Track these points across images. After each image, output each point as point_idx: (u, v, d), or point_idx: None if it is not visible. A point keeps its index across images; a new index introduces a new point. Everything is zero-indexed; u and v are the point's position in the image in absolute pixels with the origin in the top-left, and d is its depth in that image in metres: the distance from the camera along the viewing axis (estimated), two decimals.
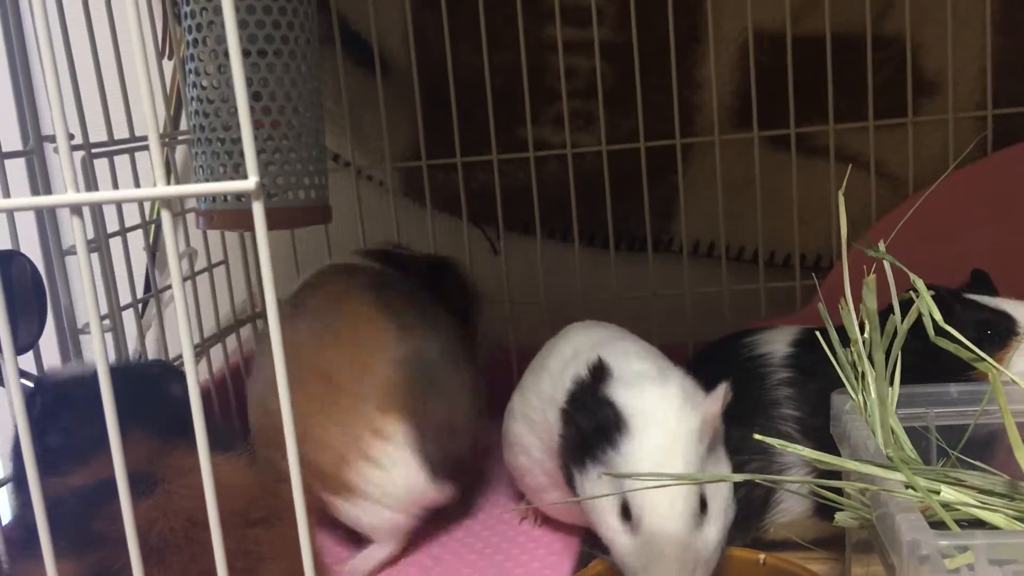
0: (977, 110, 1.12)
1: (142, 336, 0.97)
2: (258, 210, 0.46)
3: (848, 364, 0.69)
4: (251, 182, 0.45)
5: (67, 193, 0.46)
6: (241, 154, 0.87)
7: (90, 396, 0.69)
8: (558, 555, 0.85)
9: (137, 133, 1.01)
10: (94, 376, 0.48)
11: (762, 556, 0.74)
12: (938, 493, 0.55)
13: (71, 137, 0.89)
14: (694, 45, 1.15)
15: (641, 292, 1.18)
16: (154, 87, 1.02)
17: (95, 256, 0.90)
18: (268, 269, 0.46)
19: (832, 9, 1.09)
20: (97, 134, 0.94)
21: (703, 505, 0.67)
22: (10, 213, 0.79)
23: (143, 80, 0.45)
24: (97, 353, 0.48)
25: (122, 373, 0.78)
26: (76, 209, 0.47)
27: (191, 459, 0.63)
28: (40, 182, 0.86)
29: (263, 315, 1.15)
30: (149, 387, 0.77)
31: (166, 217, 0.46)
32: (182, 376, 0.90)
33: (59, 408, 0.71)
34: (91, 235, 0.90)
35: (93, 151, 0.92)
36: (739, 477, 0.61)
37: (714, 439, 0.71)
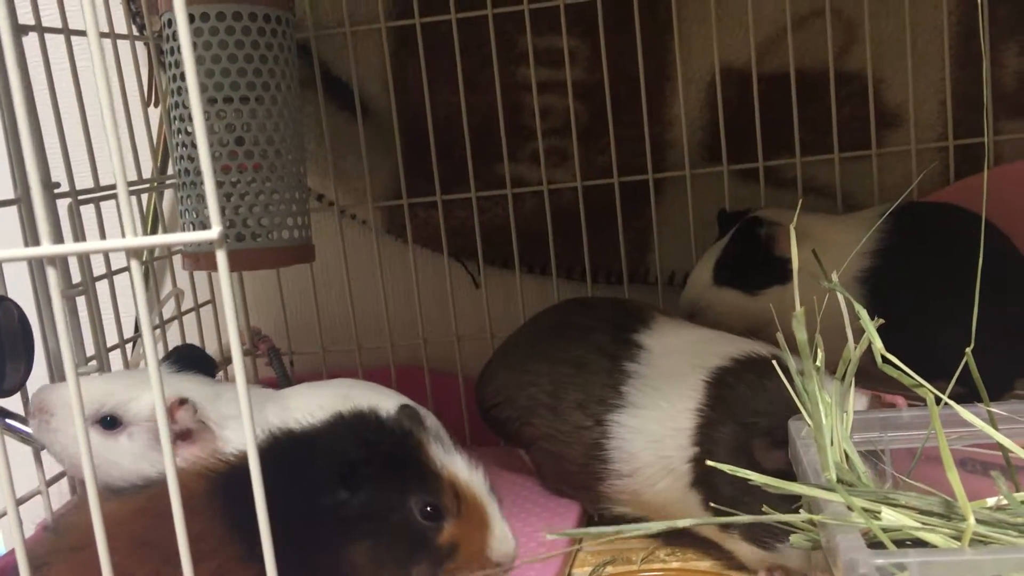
0: (939, 141, 1.16)
1: None
2: (221, 257, 0.49)
3: (803, 390, 0.72)
4: (215, 232, 0.48)
5: (42, 246, 0.49)
6: (226, 197, 0.91)
7: None
8: None
9: (127, 179, 1.04)
10: None
11: None
12: (879, 514, 0.57)
13: (56, 185, 0.93)
14: (664, 84, 1.19)
15: None
16: (137, 137, 1.05)
17: (82, 299, 0.93)
18: (231, 311, 0.49)
19: (796, 47, 1.13)
20: (84, 180, 0.98)
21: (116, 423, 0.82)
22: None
23: (111, 133, 0.48)
24: (73, 395, 0.50)
25: None
26: (52, 260, 0.50)
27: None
28: (29, 229, 0.89)
29: (249, 353, 1.18)
30: None
31: (135, 266, 0.49)
32: None
33: None
34: (78, 279, 0.93)
35: (80, 198, 0.95)
36: (716, 520, 0.64)
37: None
